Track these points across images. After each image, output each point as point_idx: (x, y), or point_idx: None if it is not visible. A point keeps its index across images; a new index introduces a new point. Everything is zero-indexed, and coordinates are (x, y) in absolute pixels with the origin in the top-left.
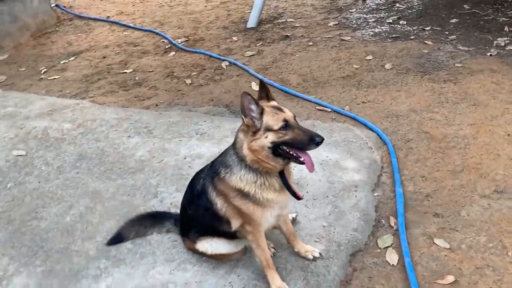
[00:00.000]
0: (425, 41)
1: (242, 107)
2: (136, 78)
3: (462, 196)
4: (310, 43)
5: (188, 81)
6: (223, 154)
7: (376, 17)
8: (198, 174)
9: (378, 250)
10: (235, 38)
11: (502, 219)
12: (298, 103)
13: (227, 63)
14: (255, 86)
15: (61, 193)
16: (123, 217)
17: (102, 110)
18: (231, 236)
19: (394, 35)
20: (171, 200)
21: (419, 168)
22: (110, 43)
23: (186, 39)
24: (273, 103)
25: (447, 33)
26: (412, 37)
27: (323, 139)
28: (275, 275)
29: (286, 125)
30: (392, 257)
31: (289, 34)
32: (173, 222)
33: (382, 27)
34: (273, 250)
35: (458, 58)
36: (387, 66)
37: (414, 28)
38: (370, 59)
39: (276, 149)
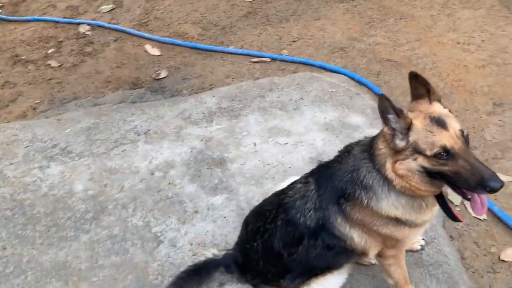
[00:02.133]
0: None
1: (380, 112)
2: None
3: (473, 120)
4: None
5: (53, 62)
6: (351, 167)
7: None
8: (289, 204)
9: (458, 209)
10: None
11: None
12: (224, 60)
13: (88, 27)
14: (151, 49)
15: None
16: None
17: None
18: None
19: None
20: (186, 239)
21: None
22: None
23: (0, 4)
24: (435, 108)
25: None
26: None
27: (502, 184)
28: None
29: (446, 154)
30: None
31: None
32: (223, 269)
33: None
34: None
35: None
36: None
37: None
38: None
39: (433, 173)
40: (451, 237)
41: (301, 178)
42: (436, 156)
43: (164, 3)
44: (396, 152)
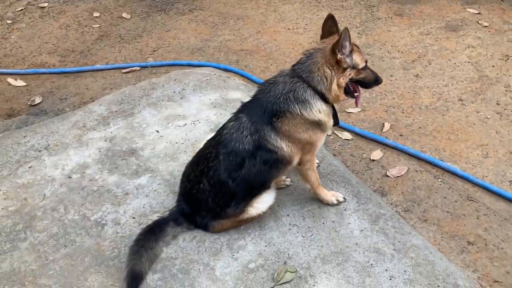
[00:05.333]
0: None
1: (340, 42)
2: None
3: None
4: (9, 21)
5: None
6: (285, 91)
7: None
8: (227, 139)
9: (332, 136)
10: None
11: None
12: (94, 77)
13: None
14: (15, 82)
15: None
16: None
17: None
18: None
19: None
20: (127, 215)
21: None
22: None
23: None
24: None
25: None
26: None
27: (382, 80)
28: (324, 189)
29: (366, 65)
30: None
31: None
32: (173, 224)
33: None
34: (289, 180)
35: None
36: (125, 15)
37: None
38: (99, 15)
39: (347, 83)
40: (334, 155)
41: (230, 118)
42: (362, 68)
43: (8, 41)
44: (342, 70)
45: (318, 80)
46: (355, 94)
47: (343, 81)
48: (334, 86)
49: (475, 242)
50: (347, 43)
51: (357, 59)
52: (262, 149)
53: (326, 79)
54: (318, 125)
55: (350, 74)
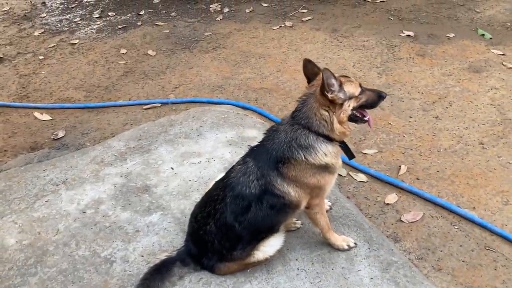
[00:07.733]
0: (156, 23)
1: (325, 84)
2: None
3: None
4: (41, 57)
5: None
6: (287, 139)
7: (77, 15)
8: (234, 182)
9: (346, 177)
10: None
11: None
12: (116, 113)
13: None
14: (41, 116)
15: None
16: None
17: None
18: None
19: (119, 26)
20: (136, 253)
21: None
22: None
23: None
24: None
25: (163, 12)
26: (139, 23)
27: (386, 93)
28: (335, 234)
29: (362, 89)
30: (359, 176)
31: (1, 56)
32: (180, 264)
33: (97, 23)
34: (299, 222)
35: (200, 29)
36: (150, 52)
37: (128, 16)
38: (126, 52)
39: (351, 114)
40: (347, 197)
41: (238, 161)
42: (359, 93)
43: (39, 76)
44: (339, 106)
45: (317, 124)
46: (365, 118)
47: (344, 115)
48: (336, 125)
49: None
50: (333, 81)
51: (350, 89)
52: (268, 193)
53: (326, 121)
54: (326, 168)
55: (349, 106)
